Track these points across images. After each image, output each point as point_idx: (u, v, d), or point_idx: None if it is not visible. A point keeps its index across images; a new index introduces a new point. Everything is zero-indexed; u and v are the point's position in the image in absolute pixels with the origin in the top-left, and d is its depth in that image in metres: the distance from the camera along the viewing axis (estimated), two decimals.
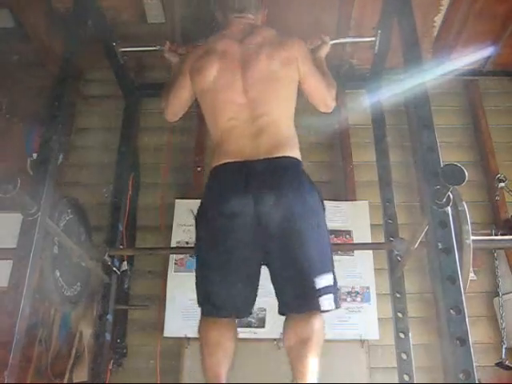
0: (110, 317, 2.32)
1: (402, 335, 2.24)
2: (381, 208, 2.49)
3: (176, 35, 2.88)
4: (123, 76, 2.75)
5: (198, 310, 1.59)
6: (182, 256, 2.65)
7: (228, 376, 1.49)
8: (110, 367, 2.44)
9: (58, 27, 2.76)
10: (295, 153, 1.60)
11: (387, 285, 2.38)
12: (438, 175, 1.50)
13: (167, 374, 2.47)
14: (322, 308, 1.50)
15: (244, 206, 1.47)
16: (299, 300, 1.50)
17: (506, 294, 2.53)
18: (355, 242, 2.70)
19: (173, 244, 2.66)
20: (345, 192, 2.86)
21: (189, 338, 2.45)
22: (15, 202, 1.50)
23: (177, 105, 1.88)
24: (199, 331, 1.56)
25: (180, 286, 2.58)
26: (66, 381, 2.36)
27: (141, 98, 3.02)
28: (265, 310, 2.44)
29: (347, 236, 2.71)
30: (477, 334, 2.49)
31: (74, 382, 2.39)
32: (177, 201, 2.79)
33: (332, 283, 1.54)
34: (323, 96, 1.83)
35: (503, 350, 2.43)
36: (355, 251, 2.67)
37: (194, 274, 1.60)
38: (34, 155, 2.69)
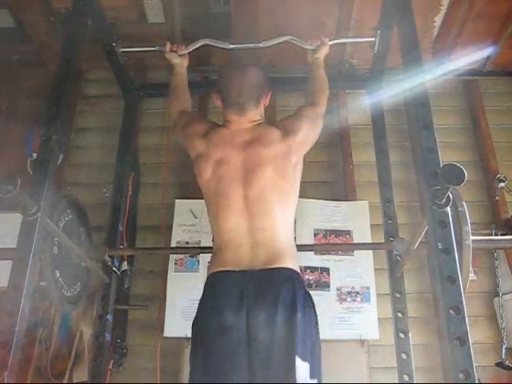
0: (109, 317, 2.32)
1: (401, 335, 2.23)
2: (381, 208, 2.49)
3: (176, 35, 2.88)
4: (123, 76, 2.75)
5: None
6: (181, 256, 2.65)
7: None
8: (110, 367, 2.44)
9: (58, 27, 2.76)
10: (292, 263, 1.57)
11: (387, 285, 2.38)
12: (438, 175, 1.51)
13: (167, 374, 2.47)
14: None
15: (237, 318, 1.45)
16: None
17: (506, 294, 2.53)
18: (355, 241, 2.70)
19: (173, 244, 2.66)
20: (345, 192, 2.86)
21: (189, 338, 2.43)
22: (15, 202, 1.50)
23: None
24: None
25: (180, 285, 2.58)
26: (65, 381, 2.36)
27: (141, 98, 3.02)
28: None
29: (347, 236, 2.71)
30: (477, 334, 2.49)
31: (74, 382, 2.39)
32: (177, 201, 2.79)
33: None
34: (315, 113, 1.85)
35: (503, 350, 2.43)
36: (355, 251, 2.67)
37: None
38: (34, 155, 2.69)
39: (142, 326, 2.61)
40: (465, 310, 1.40)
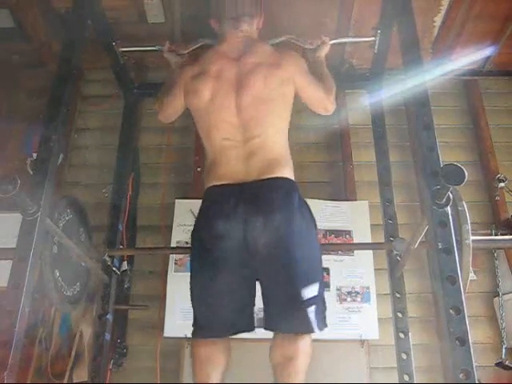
0: (109, 317, 2.32)
1: (401, 335, 2.24)
2: (381, 208, 2.49)
3: (176, 35, 2.88)
4: (123, 76, 2.75)
5: None
6: (181, 256, 2.65)
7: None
8: (110, 367, 2.44)
9: (58, 27, 2.76)
10: (287, 173, 1.60)
11: (387, 285, 2.38)
12: (438, 175, 1.51)
13: (167, 373, 2.47)
14: (309, 330, 1.51)
15: (233, 229, 1.51)
16: (287, 320, 1.52)
17: (506, 294, 2.53)
18: (355, 241, 2.70)
19: (173, 244, 2.66)
20: (345, 192, 2.86)
21: (189, 338, 2.43)
22: (15, 202, 1.50)
23: (170, 111, 1.93)
24: (191, 350, 1.61)
25: (180, 286, 2.57)
26: (65, 381, 2.36)
27: (141, 98, 3.02)
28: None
29: (347, 236, 2.71)
30: (477, 334, 2.49)
31: (74, 382, 2.39)
32: (177, 201, 2.79)
33: (321, 305, 1.56)
34: (322, 102, 1.85)
35: (503, 350, 2.43)
36: (355, 251, 2.67)
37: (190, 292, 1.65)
38: (34, 155, 2.69)
39: (142, 326, 2.61)
40: (465, 310, 1.40)
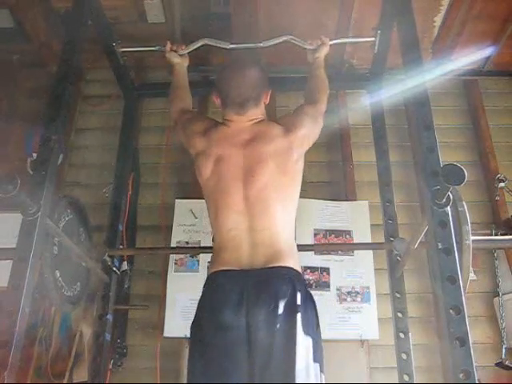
0: (109, 317, 2.32)
1: (401, 335, 2.23)
2: (381, 208, 2.49)
3: (176, 35, 2.88)
4: (123, 76, 2.75)
5: None
6: (182, 256, 2.65)
7: None
8: (110, 367, 2.44)
9: (58, 27, 2.76)
10: (292, 262, 1.55)
11: (387, 285, 2.37)
12: (438, 175, 1.51)
13: (167, 373, 2.47)
14: None
15: (237, 317, 1.45)
16: None
17: (506, 293, 2.53)
18: (355, 241, 2.70)
19: (173, 244, 2.66)
20: (345, 192, 2.86)
21: (189, 338, 2.44)
22: (15, 202, 1.50)
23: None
24: None
25: (180, 285, 2.58)
26: (65, 381, 2.36)
27: (141, 98, 3.02)
28: None
29: (347, 236, 2.71)
30: (476, 334, 2.49)
31: (74, 382, 2.39)
32: (177, 201, 2.79)
33: None
34: (316, 111, 1.84)
35: (503, 350, 2.43)
36: (355, 251, 2.68)
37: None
38: (34, 155, 2.69)
39: (142, 326, 2.61)
40: (465, 310, 1.39)
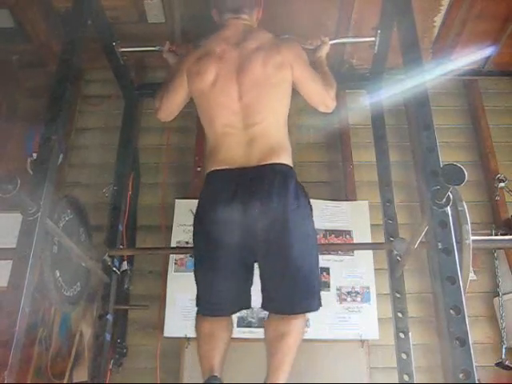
0: (109, 317, 2.32)
1: (401, 335, 2.23)
2: (381, 208, 2.49)
3: (176, 35, 2.88)
4: (123, 76, 2.75)
5: None
6: (182, 256, 2.65)
7: (224, 367, 1.60)
8: (110, 367, 2.44)
9: (58, 27, 2.76)
10: (285, 159, 1.65)
11: (387, 285, 2.37)
12: (438, 175, 1.51)
13: (167, 373, 2.47)
14: (303, 310, 1.59)
15: (233, 213, 1.56)
16: (283, 301, 1.58)
17: (506, 294, 2.53)
18: (355, 241, 2.70)
19: (173, 244, 2.66)
20: (345, 192, 2.86)
21: (189, 338, 2.45)
22: (15, 202, 1.50)
23: (172, 104, 1.90)
24: (195, 326, 1.67)
25: (180, 285, 2.58)
26: (65, 381, 2.36)
27: (141, 98, 3.02)
28: None
29: (347, 236, 2.71)
30: (477, 334, 2.49)
31: (74, 382, 2.39)
32: (177, 201, 2.79)
33: (315, 285, 1.62)
34: (322, 97, 1.84)
35: (503, 350, 2.43)
36: (355, 251, 2.67)
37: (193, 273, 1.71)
38: (34, 155, 2.69)
39: (142, 326, 2.61)
40: (465, 310, 1.40)
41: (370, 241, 2.65)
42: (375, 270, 2.61)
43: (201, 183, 2.79)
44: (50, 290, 1.79)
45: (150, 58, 3.08)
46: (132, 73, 2.97)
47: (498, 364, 2.41)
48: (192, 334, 2.30)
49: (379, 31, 2.36)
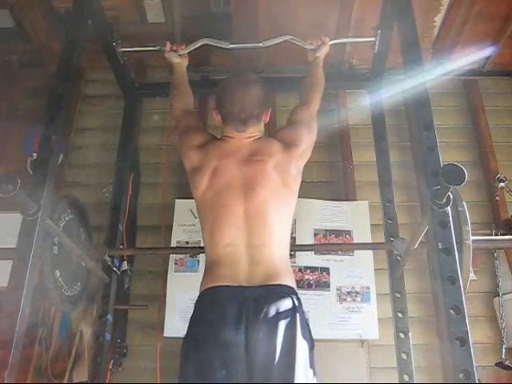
0: (109, 317, 2.32)
1: (401, 335, 2.23)
2: (381, 208, 2.49)
3: (176, 35, 2.88)
4: (123, 76, 2.75)
5: None
6: (182, 256, 2.65)
7: None
8: (110, 367, 2.44)
9: (58, 27, 2.76)
10: (289, 281, 1.53)
11: (387, 285, 2.38)
12: (438, 175, 1.50)
13: (167, 373, 2.47)
14: None
15: (236, 336, 1.41)
16: None
17: (506, 294, 2.53)
18: (355, 241, 2.70)
19: (173, 244, 2.66)
20: (345, 192, 2.86)
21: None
22: (15, 202, 1.50)
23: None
24: None
25: (180, 286, 2.58)
26: (65, 381, 2.36)
27: (141, 98, 3.03)
28: None
29: (347, 236, 2.71)
30: (477, 334, 2.49)
31: (74, 382, 2.39)
32: (177, 201, 2.79)
33: None
34: (308, 105, 1.85)
35: (503, 350, 2.43)
36: (355, 251, 2.67)
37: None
38: (34, 155, 2.69)
39: (142, 326, 2.61)
40: (465, 309, 1.40)
41: (370, 241, 2.65)
42: (375, 270, 2.61)
43: None
44: (50, 290, 1.79)
45: (150, 57, 3.08)
46: (132, 73, 2.97)
47: (497, 364, 2.41)
48: None
49: (379, 31, 2.36)
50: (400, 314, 2.27)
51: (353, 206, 2.79)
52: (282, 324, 1.41)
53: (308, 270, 2.61)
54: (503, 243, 2.15)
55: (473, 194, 2.81)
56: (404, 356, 2.20)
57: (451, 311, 1.40)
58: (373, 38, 2.40)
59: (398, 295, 2.31)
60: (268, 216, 1.57)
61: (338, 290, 2.59)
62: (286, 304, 1.46)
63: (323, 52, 2.09)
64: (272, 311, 1.43)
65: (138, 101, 2.98)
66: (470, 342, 1.35)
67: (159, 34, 2.83)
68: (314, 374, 1.45)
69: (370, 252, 2.64)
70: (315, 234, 2.71)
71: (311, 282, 2.58)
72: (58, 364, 2.41)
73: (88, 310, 2.51)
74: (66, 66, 1.92)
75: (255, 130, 1.71)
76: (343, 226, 2.73)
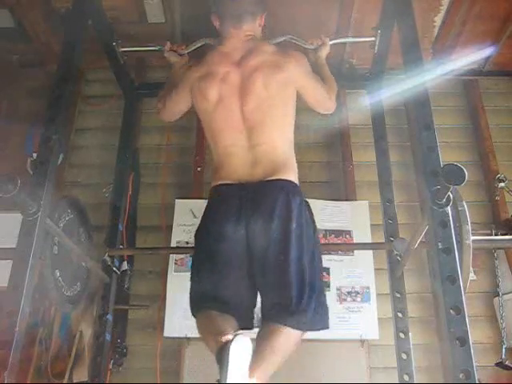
0: (109, 317, 2.32)
1: (402, 335, 2.24)
2: (381, 208, 2.49)
3: (176, 35, 2.88)
4: (123, 76, 2.75)
5: None
6: (182, 256, 2.65)
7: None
8: (110, 367, 2.44)
9: (58, 27, 2.76)
10: (290, 175, 1.64)
11: (387, 285, 2.38)
12: (438, 175, 1.51)
13: (167, 373, 2.47)
14: (298, 328, 1.47)
15: (237, 227, 1.55)
16: (278, 313, 1.49)
17: (506, 294, 2.53)
18: (355, 241, 2.70)
19: (173, 244, 2.66)
20: (345, 192, 2.86)
21: (189, 338, 2.45)
22: (15, 202, 1.50)
23: (175, 110, 1.95)
24: (198, 327, 1.59)
25: (180, 285, 2.57)
26: (65, 381, 2.36)
27: (141, 98, 3.02)
28: None
29: (347, 236, 2.71)
30: (477, 333, 2.49)
31: (74, 382, 2.39)
32: (177, 201, 2.79)
33: (317, 305, 1.51)
34: (323, 103, 1.88)
35: (503, 350, 2.43)
36: (355, 251, 2.67)
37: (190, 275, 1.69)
38: (34, 155, 2.69)
39: (142, 326, 2.60)
40: (465, 309, 1.40)
41: (370, 241, 2.65)
42: (375, 269, 2.61)
43: (201, 183, 2.83)
44: (50, 290, 1.79)
45: (150, 57, 3.09)
46: (132, 73, 2.97)
47: (497, 364, 2.41)
48: (192, 334, 2.32)
49: (379, 31, 2.36)
50: (400, 314, 2.27)
51: (353, 206, 2.78)
52: (277, 214, 1.53)
53: None
54: (503, 243, 2.15)
55: (473, 193, 2.81)
56: (404, 356, 2.20)
57: (451, 311, 1.40)
58: (373, 38, 2.40)
59: (398, 295, 2.31)
60: (264, 117, 1.68)
61: (338, 289, 2.59)
62: (281, 196, 1.56)
63: (324, 52, 2.09)
64: (268, 204, 1.55)
65: (137, 101, 2.98)
66: (470, 342, 1.35)
67: (159, 33, 2.83)
68: (316, 259, 1.60)
69: (370, 252, 2.64)
70: None
71: None
72: (57, 364, 2.41)
73: (88, 309, 2.51)
74: (65, 66, 1.93)
75: (250, 28, 1.83)
76: (343, 225, 2.73)
